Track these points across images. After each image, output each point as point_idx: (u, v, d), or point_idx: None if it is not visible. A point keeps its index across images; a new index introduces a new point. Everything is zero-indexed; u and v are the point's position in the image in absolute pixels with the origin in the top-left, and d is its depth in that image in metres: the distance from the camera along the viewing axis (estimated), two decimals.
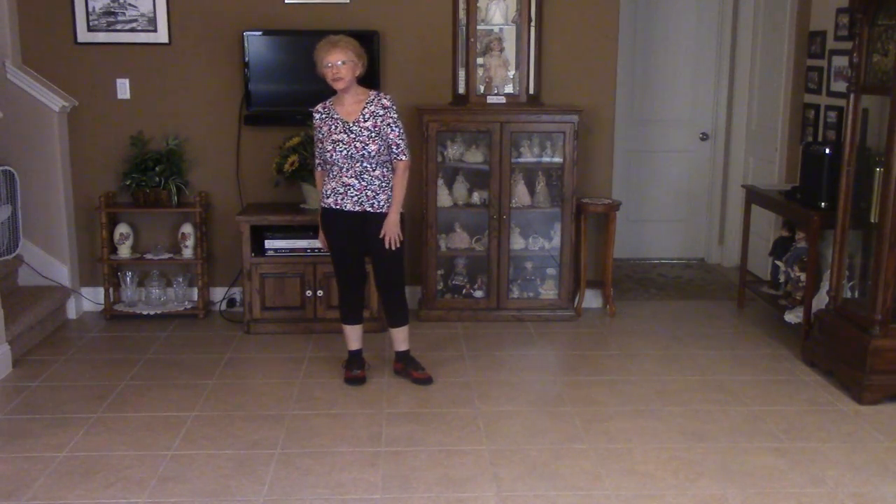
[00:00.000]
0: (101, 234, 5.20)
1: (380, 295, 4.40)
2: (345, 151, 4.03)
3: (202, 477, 3.34)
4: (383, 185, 4.11)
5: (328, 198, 4.11)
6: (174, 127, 5.29)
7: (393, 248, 4.13)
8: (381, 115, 4.06)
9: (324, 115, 4.11)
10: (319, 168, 4.23)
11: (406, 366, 4.33)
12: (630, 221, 6.67)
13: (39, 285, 5.17)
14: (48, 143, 5.12)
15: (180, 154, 5.26)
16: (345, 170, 4.06)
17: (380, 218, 4.11)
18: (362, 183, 4.07)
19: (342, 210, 4.09)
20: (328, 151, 4.06)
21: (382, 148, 4.07)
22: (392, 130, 4.08)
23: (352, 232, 4.13)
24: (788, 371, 4.48)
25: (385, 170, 4.12)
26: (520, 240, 5.34)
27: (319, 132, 4.12)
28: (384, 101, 4.09)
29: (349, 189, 4.07)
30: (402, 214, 4.20)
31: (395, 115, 4.10)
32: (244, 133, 5.31)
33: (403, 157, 4.12)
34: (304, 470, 3.40)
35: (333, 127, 4.06)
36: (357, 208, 4.09)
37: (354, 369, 4.32)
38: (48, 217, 5.20)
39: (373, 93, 4.12)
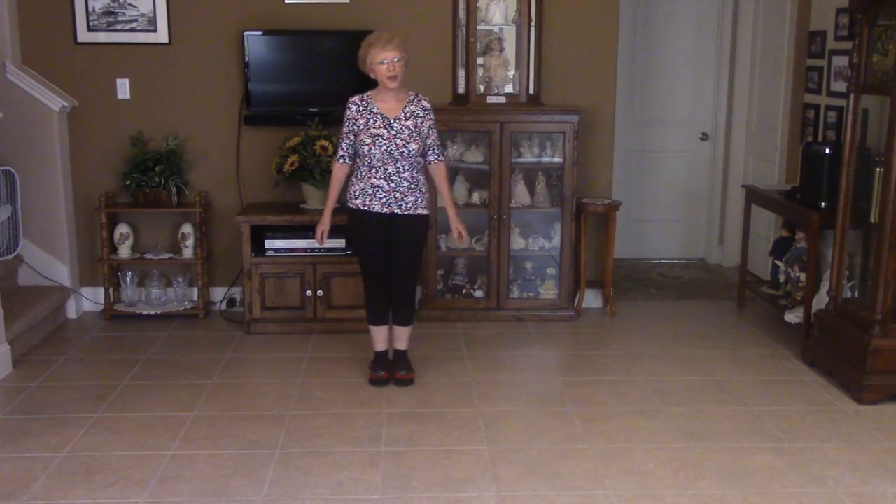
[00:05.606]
0: (101, 234, 5.20)
1: (392, 293, 4.25)
2: (384, 147, 4.00)
3: (202, 477, 3.34)
4: (412, 186, 4.08)
5: (356, 199, 4.09)
6: (174, 127, 5.29)
7: (464, 240, 4.27)
8: (421, 116, 4.08)
9: (361, 108, 4.07)
10: (342, 160, 4.13)
11: (396, 362, 4.32)
12: (630, 221, 6.67)
13: (39, 285, 5.17)
14: (48, 143, 5.12)
15: (180, 154, 5.26)
16: (374, 170, 4.04)
17: (407, 219, 4.10)
18: (391, 185, 4.05)
19: (370, 211, 4.08)
20: (366, 145, 4.01)
21: (420, 148, 4.08)
22: (432, 132, 4.12)
23: (379, 233, 4.12)
24: (788, 371, 4.48)
25: (415, 171, 4.10)
26: (520, 240, 5.34)
27: (353, 124, 4.06)
28: (424, 102, 4.11)
29: (378, 191, 4.05)
30: (427, 215, 4.18)
31: (434, 118, 4.13)
32: (244, 133, 5.31)
33: (442, 158, 4.19)
34: (304, 470, 3.40)
35: (372, 121, 4.03)
36: (385, 210, 4.07)
37: (379, 370, 4.28)
38: (48, 217, 5.20)
39: (412, 93, 4.13)
